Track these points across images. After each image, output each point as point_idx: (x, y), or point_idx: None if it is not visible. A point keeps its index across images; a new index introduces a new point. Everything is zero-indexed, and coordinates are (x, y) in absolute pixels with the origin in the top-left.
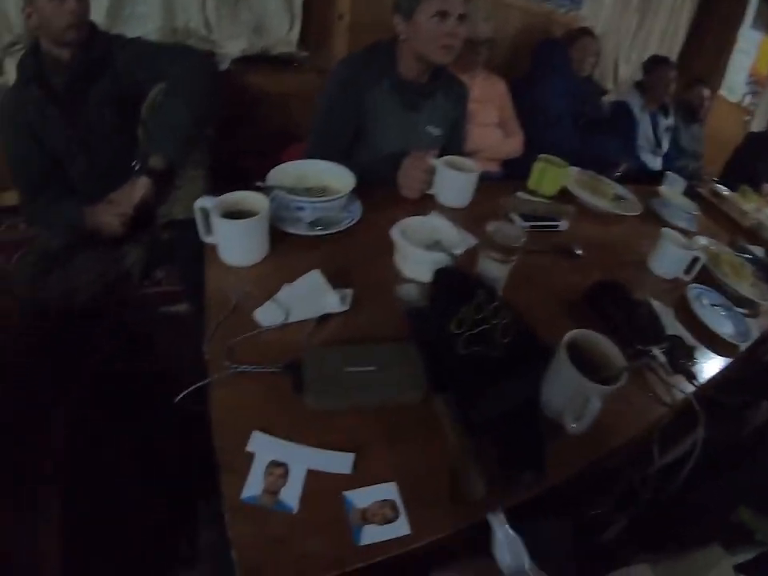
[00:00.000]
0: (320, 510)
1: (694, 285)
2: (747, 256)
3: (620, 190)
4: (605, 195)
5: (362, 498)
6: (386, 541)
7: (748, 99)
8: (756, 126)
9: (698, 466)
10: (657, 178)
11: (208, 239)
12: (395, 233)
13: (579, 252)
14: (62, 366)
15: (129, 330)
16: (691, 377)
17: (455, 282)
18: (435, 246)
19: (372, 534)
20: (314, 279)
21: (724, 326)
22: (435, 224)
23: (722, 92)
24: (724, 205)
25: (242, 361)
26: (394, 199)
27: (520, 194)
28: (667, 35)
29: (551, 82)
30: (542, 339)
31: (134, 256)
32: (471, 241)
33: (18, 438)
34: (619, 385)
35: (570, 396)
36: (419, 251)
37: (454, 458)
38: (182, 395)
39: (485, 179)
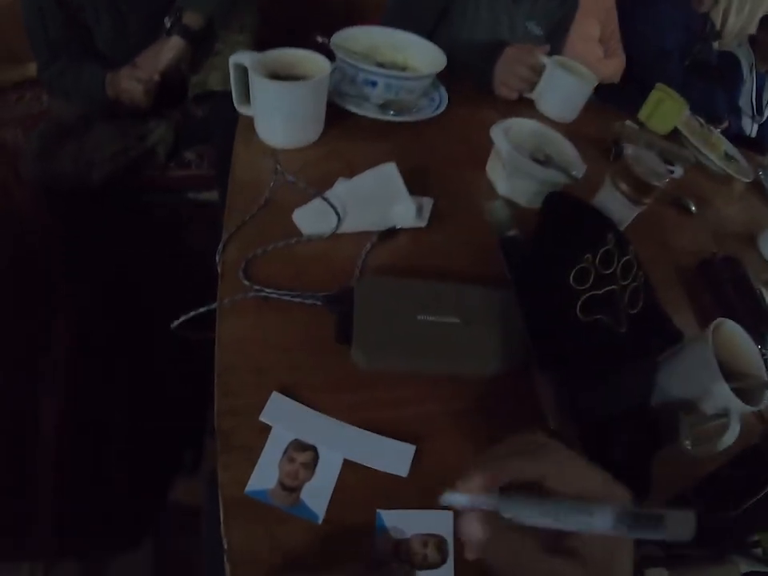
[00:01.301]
0: (352, 521)
1: None
2: None
3: (730, 148)
4: (715, 149)
5: (401, 523)
6: None
7: None
8: None
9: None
10: (752, 146)
11: (243, 109)
12: (497, 133)
13: (693, 209)
14: (74, 251)
15: (150, 215)
16: None
17: (575, 216)
18: (546, 162)
19: None
20: (387, 176)
21: None
22: (547, 134)
23: None
24: None
25: (268, 282)
26: (485, 97)
27: (629, 123)
28: None
29: (665, 10)
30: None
31: (160, 133)
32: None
33: (21, 328)
34: (760, 405)
35: (697, 405)
36: (528, 162)
37: None
38: (179, 321)
39: None
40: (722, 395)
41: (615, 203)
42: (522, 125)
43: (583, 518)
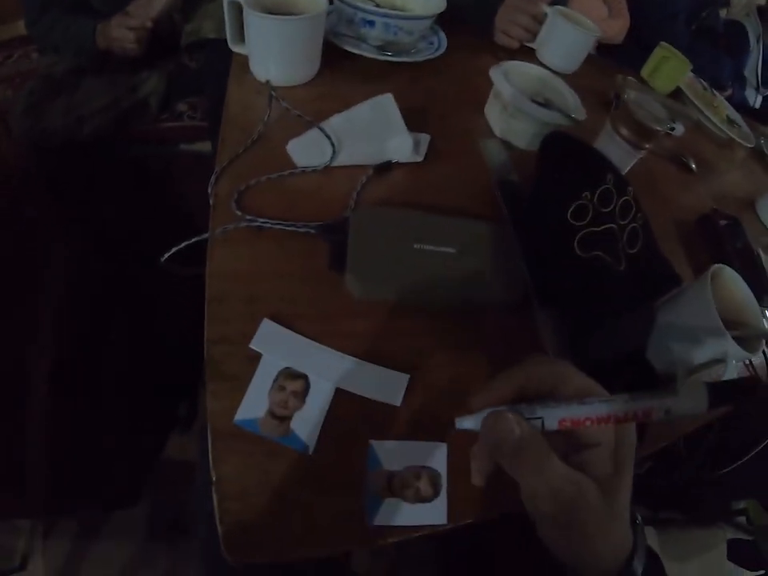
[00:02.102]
0: (344, 452)
1: None
2: None
3: (732, 113)
4: (717, 113)
5: (394, 455)
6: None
7: None
8: None
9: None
10: (755, 117)
11: (237, 48)
12: (496, 74)
13: (693, 167)
14: (66, 205)
15: (142, 167)
16: None
17: (575, 155)
18: (546, 105)
19: (393, 514)
20: (384, 107)
21: None
22: (547, 78)
23: None
24: None
25: (261, 213)
26: (484, 44)
27: (631, 79)
28: None
29: None
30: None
31: (152, 84)
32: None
33: (10, 283)
34: (756, 353)
35: (695, 350)
36: (528, 103)
37: None
38: (168, 254)
39: None
40: (720, 340)
41: (615, 148)
42: (522, 68)
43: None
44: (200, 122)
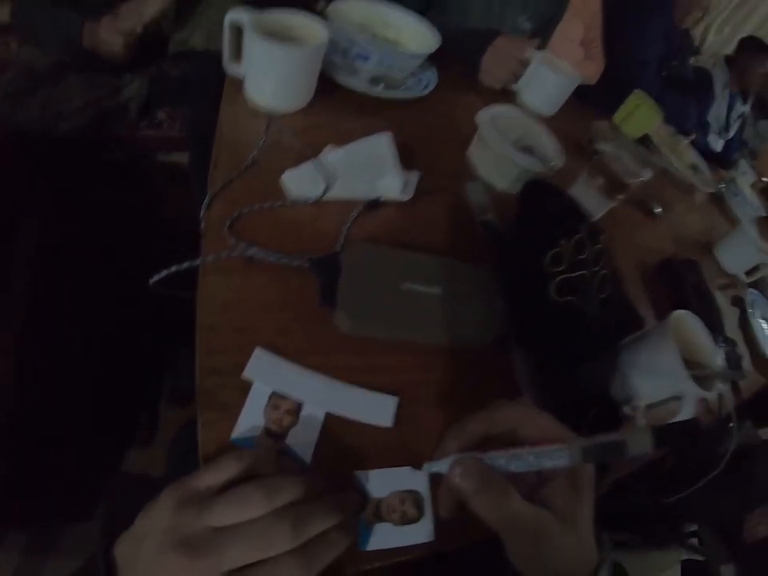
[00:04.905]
0: (336, 475)
1: (752, 289)
2: None
3: (696, 158)
4: (682, 159)
5: (380, 483)
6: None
7: None
8: None
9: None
10: (717, 161)
11: (233, 69)
12: (483, 117)
13: (658, 211)
14: (41, 198)
15: (117, 173)
16: (737, 389)
17: (552, 204)
18: (527, 150)
19: (384, 537)
20: (381, 146)
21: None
22: (530, 125)
23: None
24: None
25: (254, 241)
26: (469, 82)
27: (605, 124)
28: None
29: (648, 21)
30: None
31: (135, 88)
32: None
33: None
34: (715, 393)
35: (655, 388)
36: (513, 151)
37: None
38: (159, 277)
39: None
40: (678, 380)
41: (589, 199)
42: (508, 112)
43: (557, 454)
44: (178, 132)
